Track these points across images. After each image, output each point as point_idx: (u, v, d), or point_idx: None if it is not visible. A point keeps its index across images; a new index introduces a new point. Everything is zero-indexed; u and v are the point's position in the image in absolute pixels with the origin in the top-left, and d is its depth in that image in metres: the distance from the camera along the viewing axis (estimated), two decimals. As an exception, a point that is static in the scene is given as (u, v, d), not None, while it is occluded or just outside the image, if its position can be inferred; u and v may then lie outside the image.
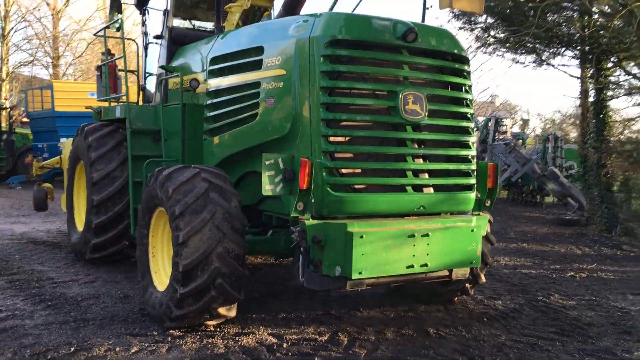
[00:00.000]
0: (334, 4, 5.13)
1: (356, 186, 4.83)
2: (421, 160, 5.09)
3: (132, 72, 8.62)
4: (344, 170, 4.80)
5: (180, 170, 5.18)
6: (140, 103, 8.50)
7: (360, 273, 4.56)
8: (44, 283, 6.59)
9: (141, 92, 8.46)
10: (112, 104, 8.31)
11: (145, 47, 8.53)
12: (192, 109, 6.57)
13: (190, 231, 4.76)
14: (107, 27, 7.97)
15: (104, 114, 7.99)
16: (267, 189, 4.57)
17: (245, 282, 5.06)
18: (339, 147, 4.76)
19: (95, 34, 8.55)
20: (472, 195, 5.35)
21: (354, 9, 5.16)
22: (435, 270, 4.99)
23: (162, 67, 7.43)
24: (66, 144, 9.55)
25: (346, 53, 4.79)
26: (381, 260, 4.66)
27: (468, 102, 5.37)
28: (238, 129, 5.63)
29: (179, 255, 4.77)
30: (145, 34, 8.52)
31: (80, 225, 7.93)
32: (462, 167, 5.29)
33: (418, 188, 5.04)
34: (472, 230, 5.16)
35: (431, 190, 5.11)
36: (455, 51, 5.29)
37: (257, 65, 5.43)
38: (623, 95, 15.89)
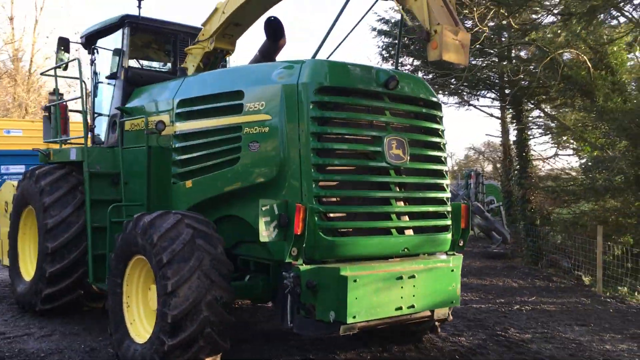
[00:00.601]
0: (317, 52, 5.24)
1: (345, 230, 4.89)
2: (402, 203, 5.23)
3: (79, 112, 8.30)
4: (332, 215, 4.86)
5: (162, 217, 5.04)
6: (89, 145, 8.22)
7: (354, 317, 4.59)
8: (-5, 338, 6.14)
9: (89, 134, 8.17)
10: (63, 147, 8.01)
11: (95, 87, 8.30)
12: (157, 152, 6.43)
13: (179, 280, 4.63)
14: (58, 66, 7.69)
15: (54, 156, 7.65)
16: (263, 235, 4.54)
17: (230, 330, 4.95)
18: (329, 191, 4.82)
19: (42, 73, 8.20)
20: (449, 236, 5.53)
21: (330, 56, 5.30)
22: (421, 310, 5.09)
23: (119, 108, 7.24)
24: (3, 188, 9.01)
25: (334, 100, 4.90)
26: (373, 304, 4.72)
27: (442, 145, 5.60)
28: (215, 172, 5.56)
29: (167, 306, 4.61)
30: (95, 73, 8.30)
31: (27, 275, 7.47)
32: (440, 209, 5.47)
33: (402, 230, 5.16)
34: (452, 271, 5.32)
35: (411, 232, 5.25)
36: (430, 98, 5.53)
37: (236, 110, 5.42)
38: (541, 135, 16.99)
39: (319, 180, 4.77)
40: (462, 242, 5.73)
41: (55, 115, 7.83)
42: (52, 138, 7.89)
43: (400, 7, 5.16)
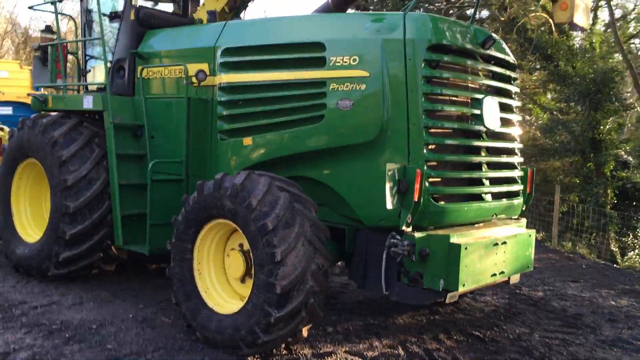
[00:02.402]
0: (414, 3, 4.88)
1: (449, 195, 4.73)
2: (488, 168, 5.14)
3: (73, 54, 7.41)
4: (435, 180, 4.67)
5: (251, 179, 4.61)
6: (81, 91, 7.42)
7: (463, 285, 4.49)
8: (21, 308, 5.45)
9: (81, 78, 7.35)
10: (56, 92, 7.16)
11: (86, 27, 7.42)
12: (195, 104, 5.87)
13: (288, 248, 4.29)
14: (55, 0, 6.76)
15: (55, 103, 6.80)
16: (389, 202, 4.27)
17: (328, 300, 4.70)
18: (438, 155, 4.62)
19: (31, 7, 7.17)
20: (521, 200, 5.53)
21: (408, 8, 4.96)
22: (508, 276, 5.08)
23: (136, 52, 6.51)
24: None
25: (442, 58, 4.64)
26: (477, 270, 4.64)
27: (516, 108, 5.52)
28: (288, 130, 5.16)
29: (274, 275, 4.26)
30: (87, 11, 7.40)
31: (27, 236, 6.68)
32: (516, 174, 5.43)
33: (494, 196, 5.08)
34: (530, 236, 5.34)
35: (500, 197, 5.20)
36: (510, 59, 5.40)
37: (316, 63, 5.01)
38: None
39: (430, 143, 4.55)
40: (524, 206, 5.75)
41: (52, 56, 6.91)
42: (50, 82, 6.98)
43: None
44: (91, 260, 6.29)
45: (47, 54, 7.12)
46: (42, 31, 7.24)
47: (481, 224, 5.11)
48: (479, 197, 4.98)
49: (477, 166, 4.99)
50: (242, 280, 4.83)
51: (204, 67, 5.86)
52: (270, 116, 5.29)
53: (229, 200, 4.55)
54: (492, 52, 5.11)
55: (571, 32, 12.56)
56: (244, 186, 4.52)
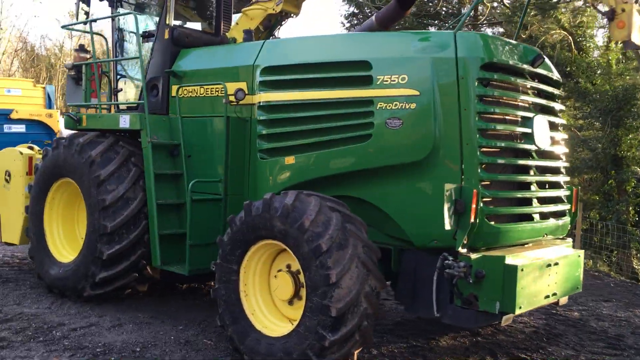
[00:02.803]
0: (463, 21, 4.85)
1: (503, 215, 4.66)
2: (539, 188, 5.07)
3: (105, 73, 7.39)
4: (490, 199, 4.61)
5: (301, 199, 4.55)
6: (112, 110, 7.39)
7: (520, 307, 4.40)
8: (60, 330, 5.37)
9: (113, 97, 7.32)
10: (90, 111, 7.14)
11: (118, 46, 7.43)
12: (234, 123, 5.83)
13: (343, 269, 4.21)
14: (93, 20, 6.76)
15: (90, 121, 6.77)
16: (447, 222, 4.20)
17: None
18: (492, 175, 4.55)
19: (64, 27, 7.18)
20: (568, 220, 5.44)
21: (459, 27, 4.92)
22: (559, 298, 4.99)
23: (172, 71, 6.48)
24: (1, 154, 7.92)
25: (494, 77, 4.60)
26: (531, 293, 4.55)
27: (561, 127, 5.46)
28: (333, 149, 5.10)
29: (329, 298, 4.18)
30: (119, 29, 7.41)
31: (61, 256, 6.62)
32: (563, 193, 5.36)
33: (544, 216, 5.01)
34: (579, 256, 5.25)
35: (544, 217, 5.12)
36: (555, 76, 5.35)
37: (362, 82, 4.97)
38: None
39: (483, 162, 4.49)
40: (569, 225, 5.67)
41: (87, 75, 6.90)
42: (84, 101, 6.95)
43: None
44: (127, 281, 6.22)
45: (80, 73, 7.12)
46: (76, 50, 7.23)
47: (530, 244, 5.02)
48: (529, 217, 4.91)
49: (527, 185, 4.92)
50: (290, 302, 4.74)
51: (243, 85, 5.83)
52: (314, 135, 5.24)
53: (280, 220, 4.48)
54: (540, 70, 5.07)
55: (625, 50, 12.45)
56: (295, 206, 4.46)
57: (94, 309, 6.07)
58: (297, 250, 4.41)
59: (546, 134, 4.96)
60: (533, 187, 4.94)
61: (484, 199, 4.49)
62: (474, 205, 4.24)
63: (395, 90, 4.76)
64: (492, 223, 4.54)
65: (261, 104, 5.64)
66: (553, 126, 5.20)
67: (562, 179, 5.36)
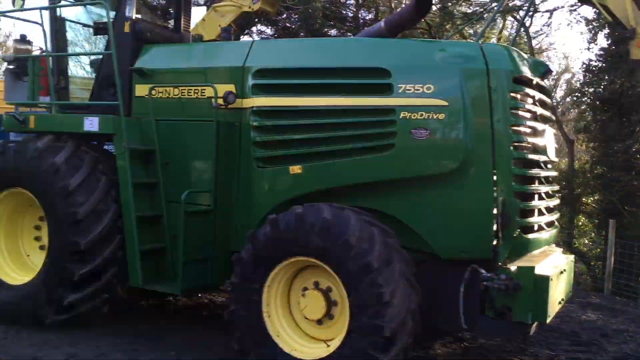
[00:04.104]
0: (483, 32, 4.86)
1: (531, 226, 4.75)
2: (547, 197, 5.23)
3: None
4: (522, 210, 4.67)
5: (336, 213, 4.31)
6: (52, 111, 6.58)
7: (549, 316, 4.50)
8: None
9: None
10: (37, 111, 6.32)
11: (57, 39, 6.61)
12: (222, 129, 5.43)
13: (394, 287, 4.05)
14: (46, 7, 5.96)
15: (40, 123, 5.96)
16: (487, 235, 4.17)
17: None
18: (524, 187, 4.61)
19: (0, 13, 6.18)
20: (558, 228, 5.68)
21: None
22: (563, 303, 5.17)
23: (138, 69, 5.90)
24: None
25: (523, 89, 4.66)
26: (554, 300, 4.67)
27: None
28: (350, 158, 4.89)
29: (381, 317, 4.00)
30: (58, 19, 6.60)
31: (10, 278, 5.77)
32: (557, 202, 5.58)
33: (549, 224, 5.18)
34: (572, 261, 5.50)
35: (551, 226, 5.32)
36: (549, 88, 5.55)
37: (380, 90, 4.82)
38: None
39: (517, 174, 4.53)
40: None
41: (35, 70, 6.06)
42: (31, 99, 6.09)
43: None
44: (96, 303, 5.55)
45: (22, 67, 6.24)
46: (16, 41, 6.33)
47: (535, 253, 5.16)
48: (541, 227, 5.04)
49: (542, 196, 5.05)
50: (319, 322, 4.48)
51: (230, 88, 5.43)
52: (325, 143, 4.99)
53: (319, 237, 4.21)
54: (545, 83, 5.23)
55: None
56: (335, 222, 4.21)
57: (60, 337, 5.33)
58: (340, 268, 4.16)
59: (553, 145, 5.13)
60: (546, 197, 5.09)
61: (522, 210, 4.54)
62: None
63: (420, 100, 4.66)
64: (523, 234, 4.60)
65: (256, 108, 5.29)
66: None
67: (556, 187, 5.57)
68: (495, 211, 4.43)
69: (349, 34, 17.26)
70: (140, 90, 5.93)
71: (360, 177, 4.86)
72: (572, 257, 5.53)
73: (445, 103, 4.59)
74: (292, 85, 5.19)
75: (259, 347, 4.43)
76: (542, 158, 4.94)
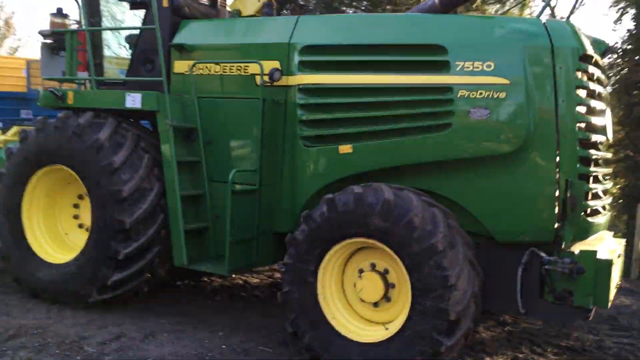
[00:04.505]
0: (543, 10, 4.70)
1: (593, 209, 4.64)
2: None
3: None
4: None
5: (395, 192, 4.20)
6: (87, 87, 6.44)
7: (610, 302, 4.40)
8: (89, 344, 4.59)
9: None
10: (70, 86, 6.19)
11: (94, 14, 6.47)
12: (269, 107, 5.30)
13: (459, 270, 3.95)
14: None
15: (78, 99, 5.83)
16: (551, 218, 4.06)
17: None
18: (585, 169, 4.48)
19: None
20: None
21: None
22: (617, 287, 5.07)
23: (178, 45, 5.75)
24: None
25: (589, 68, 4.51)
26: (612, 285, 4.57)
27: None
28: (404, 138, 4.76)
29: (446, 300, 3.90)
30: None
31: (50, 257, 5.69)
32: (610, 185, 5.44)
33: (604, 208, 5.07)
34: (621, 244, 5.38)
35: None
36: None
37: (436, 67, 4.67)
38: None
39: (581, 156, 4.40)
40: None
41: (73, 44, 5.92)
42: (69, 74, 5.96)
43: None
44: (139, 282, 5.48)
45: (59, 42, 6.11)
46: (53, 15, 6.17)
47: (591, 237, 5.05)
48: (597, 211, 4.92)
49: (598, 179, 4.92)
50: (375, 304, 4.39)
51: (275, 65, 5.29)
52: (377, 122, 4.87)
53: (380, 217, 4.10)
54: (602, 61, 5.08)
55: None
56: (397, 202, 4.10)
57: (104, 316, 5.29)
58: (402, 249, 4.06)
59: (611, 126, 4.99)
60: (603, 180, 4.96)
61: (587, 193, 4.42)
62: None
63: (480, 78, 4.52)
64: (587, 217, 4.49)
65: (303, 86, 5.16)
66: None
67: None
68: (557, 193, 4.32)
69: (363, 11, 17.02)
70: (179, 66, 5.81)
71: (415, 157, 4.74)
72: (623, 241, 5.40)
73: (506, 81, 4.45)
74: (342, 62, 5.06)
75: (314, 330, 4.35)
76: (602, 139, 4.80)
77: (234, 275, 7.07)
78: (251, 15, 6.24)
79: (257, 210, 5.29)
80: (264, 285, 6.89)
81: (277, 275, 7.27)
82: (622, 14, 14.72)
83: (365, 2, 18.21)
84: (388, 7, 15.68)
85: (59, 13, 6.16)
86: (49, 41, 6.11)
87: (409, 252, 4.03)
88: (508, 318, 6.21)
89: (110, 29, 6.36)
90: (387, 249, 4.15)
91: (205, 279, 6.88)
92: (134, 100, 5.51)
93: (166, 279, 5.91)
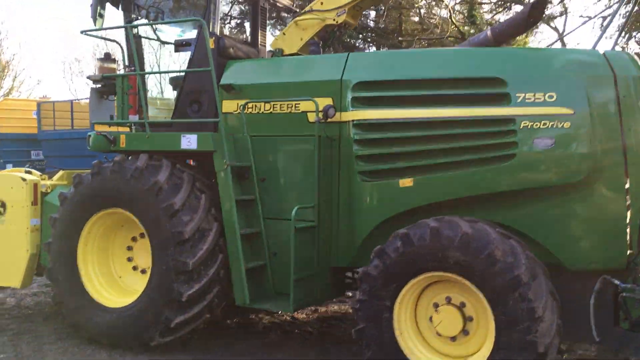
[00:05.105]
0: (599, 40, 4.80)
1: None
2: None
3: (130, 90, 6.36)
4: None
5: (471, 225, 4.22)
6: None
7: (686, 326, 4.39)
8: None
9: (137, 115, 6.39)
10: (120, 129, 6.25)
11: (137, 55, 6.54)
12: (323, 143, 5.35)
13: (545, 301, 3.96)
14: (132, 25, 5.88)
15: (131, 142, 5.88)
16: (627, 246, 4.10)
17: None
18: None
19: (83, 32, 6.08)
20: None
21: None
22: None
23: (225, 85, 5.81)
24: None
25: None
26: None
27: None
28: (465, 170, 4.80)
29: (534, 332, 3.89)
30: (138, 37, 6.54)
31: (107, 301, 5.66)
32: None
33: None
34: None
35: None
36: None
37: (497, 100, 4.74)
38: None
39: (653, 183, 4.45)
40: None
41: (124, 88, 5.99)
42: (121, 118, 6.01)
43: None
44: (199, 323, 5.45)
45: (109, 86, 6.18)
46: (101, 60, 6.25)
47: None
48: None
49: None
50: (453, 338, 4.37)
51: (328, 102, 5.36)
52: (438, 155, 4.92)
53: (459, 251, 4.11)
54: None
55: None
56: (475, 235, 4.12)
57: (167, 359, 5.24)
58: (483, 282, 4.07)
59: None
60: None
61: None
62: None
63: (543, 109, 4.59)
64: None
65: (356, 122, 5.22)
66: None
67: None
68: (628, 220, 4.34)
69: (371, 44, 17.25)
70: (227, 106, 5.87)
71: (479, 188, 4.78)
72: None
73: (570, 111, 4.51)
74: (396, 97, 5.12)
75: (393, 367, 4.33)
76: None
77: (280, 312, 7.03)
78: (294, 54, 6.33)
79: (316, 247, 5.30)
80: (313, 321, 6.84)
81: (322, 309, 7.24)
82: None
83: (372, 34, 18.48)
84: (401, 39, 15.95)
85: (107, 58, 6.25)
86: (97, 86, 6.16)
87: (491, 285, 4.03)
88: (563, 346, 6.18)
89: (164, 72, 6.43)
90: (467, 283, 4.16)
91: (253, 316, 6.84)
92: (189, 142, 5.56)
93: (220, 318, 5.88)
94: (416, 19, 16.93)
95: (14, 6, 47.22)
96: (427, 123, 4.96)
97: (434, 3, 16.32)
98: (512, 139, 4.65)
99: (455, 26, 15.17)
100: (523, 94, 4.65)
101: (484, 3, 15.80)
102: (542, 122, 4.57)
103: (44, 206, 6.41)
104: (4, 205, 6.47)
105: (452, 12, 14.97)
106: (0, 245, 6.51)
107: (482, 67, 4.92)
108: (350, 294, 6.94)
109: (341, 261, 5.44)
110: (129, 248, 5.91)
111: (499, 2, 14.27)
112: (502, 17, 14.88)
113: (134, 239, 5.88)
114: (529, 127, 4.61)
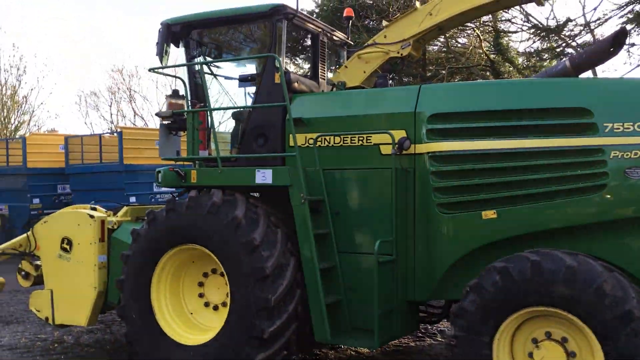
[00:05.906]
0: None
1: None
2: None
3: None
4: None
5: (574, 258, 4.16)
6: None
7: None
8: None
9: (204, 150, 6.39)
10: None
11: (198, 90, 6.59)
12: (399, 176, 5.33)
13: (653, 338, 3.86)
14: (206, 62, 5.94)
15: (202, 177, 5.89)
16: None
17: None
18: None
19: (152, 70, 6.14)
20: None
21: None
22: None
23: (295, 119, 5.82)
24: (58, 218, 6.71)
25: None
26: None
27: None
28: (553, 201, 4.76)
29: (645, 370, 3.80)
30: (196, 73, 6.57)
31: (183, 338, 5.60)
32: None
33: None
34: None
35: None
36: None
37: (583, 130, 4.71)
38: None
39: None
40: None
41: (194, 124, 6.01)
42: (193, 154, 6.02)
43: None
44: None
45: (179, 122, 6.21)
46: (169, 96, 6.30)
47: None
48: None
49: None
50: (556, 376, 4.28)
51: (402, 134, 5.36)
52: (522, 187, 4.88)
53: (564, 285, 4.04)
54: None
55: None
56: (580, 269, 4.05)
57: (248, 399, 5.15)
58: (590, 317, 3.99)
59: None
60: None
61: None
62: None
63: (633, 139, 4.56)
64: None
65: (431, 154, 5.20)
66: None
67: None
68: None
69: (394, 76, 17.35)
70: (299, 139, 5.84)
71: (567, 220, 4.73)
72: None
73: (662, 140, 4.48)
74: (474, 129, 5.10)
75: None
76: None
77: (342, 346, 6.94)
78: (357, 87, 6.36)
79: (394, 280, 5.24)
80: (377, 355, 6.75)
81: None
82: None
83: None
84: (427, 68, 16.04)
85: (176, 94, 6.29)
86: (166, 122, 6.19)
87: (601, 320, 3.95)
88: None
89: (236, 108, 6.45)
90: (573, 317, 4.08)
91: (318, 352, 6.74)
92: (264, 177, 5.55)
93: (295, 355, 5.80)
94: (435, 47, 17.06)
95: (14, 6, 47.51)
96: (508, 154, 4.93)
97: (457, 32, 16.43)
98: (602, 169, 4.61)
99: (486, 55, 15.23)
100: (611, 124, 4.63)
101: (511, 32, 15.89)
102: (633, 151, 4.54)
103: (111, 242, 6.40)
104: (70, 242, 6.48)
105: (481, 40, 15.04)
106: (66, 283, 6.52)
107: (565, 98, 4.90)
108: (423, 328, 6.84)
109: (419, 295, 5.37)
110: (200, 284, 5.87)
111: (530, 30, 14.31)
112: (536, 44, 14.97)
113: (205, 275, 5.85)
114: (619, 157, 4.58)
